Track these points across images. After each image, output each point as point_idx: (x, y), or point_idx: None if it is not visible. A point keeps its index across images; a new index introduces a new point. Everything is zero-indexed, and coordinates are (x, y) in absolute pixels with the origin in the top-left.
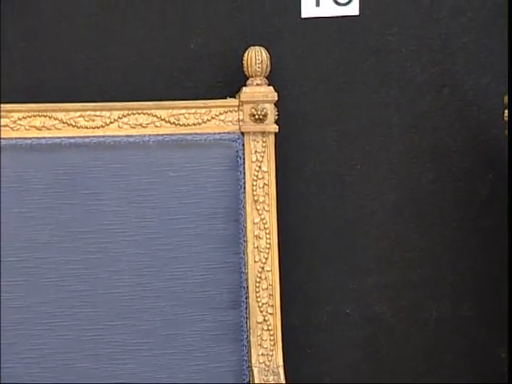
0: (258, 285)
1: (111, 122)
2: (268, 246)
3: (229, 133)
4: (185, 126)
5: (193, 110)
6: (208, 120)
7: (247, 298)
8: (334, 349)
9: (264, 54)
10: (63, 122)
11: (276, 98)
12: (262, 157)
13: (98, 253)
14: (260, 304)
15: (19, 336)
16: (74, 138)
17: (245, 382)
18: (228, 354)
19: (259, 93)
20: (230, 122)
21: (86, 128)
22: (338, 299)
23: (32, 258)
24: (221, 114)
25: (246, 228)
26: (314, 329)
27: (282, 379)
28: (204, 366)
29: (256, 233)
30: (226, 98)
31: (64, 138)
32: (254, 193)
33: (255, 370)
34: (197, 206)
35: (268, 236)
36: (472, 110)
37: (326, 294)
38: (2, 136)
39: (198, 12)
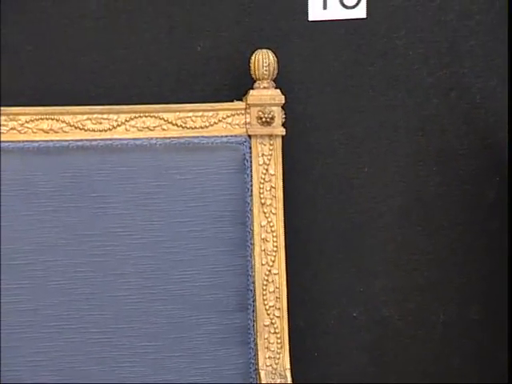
0: (265, 288)
1: (118, 125)
2: (275, 248)
3: (236, 136)
4: (192, 128)
5: (200, 113)
6: (215, 123)
7: (254, 300)
8: (341, 352)
9: (271, 56)
10: (70, 125)
11: (283, 101)
12: (269, 160)
13: (104, 256)
14: (267, 307)
15: (26, 339)
16: (81, 140)
17: None
18: (235, 357)
19: (266, 96)
20: (237, 124)
21: (94, 131)
22: (345, 302)
23: (39, 260)
24: (228, 116)
25: (253, 231)
26: (321, 332)
27: (289, 382)
28: (211, 368)
29: (263, 236)
30: (233, 101)
31: (71, 140)
32: (261, 196)
33: (262, 373)
34: (204, 209)
35: (275, 239)
36: (479, 113)
37: (333, 296)
38: (9, 139)
39: (205, 15)
